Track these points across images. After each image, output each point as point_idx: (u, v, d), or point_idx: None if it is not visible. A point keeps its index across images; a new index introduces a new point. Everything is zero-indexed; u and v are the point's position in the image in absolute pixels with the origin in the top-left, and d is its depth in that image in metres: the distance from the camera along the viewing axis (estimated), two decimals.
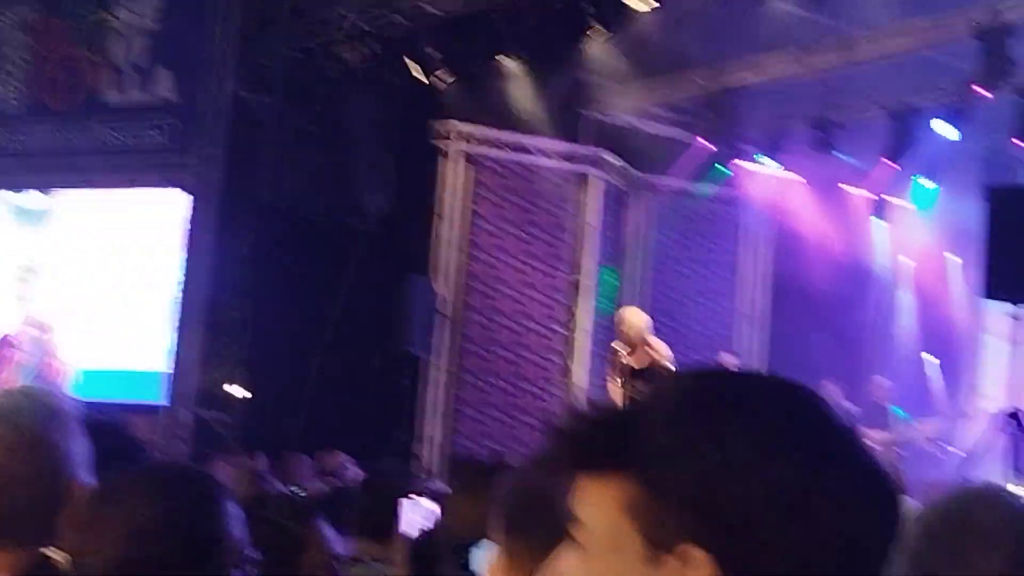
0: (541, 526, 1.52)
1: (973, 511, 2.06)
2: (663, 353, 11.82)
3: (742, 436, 1.26)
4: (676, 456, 1.27)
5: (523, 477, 1.65)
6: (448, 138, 15.26)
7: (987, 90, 13.14)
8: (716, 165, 16.19)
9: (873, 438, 14.61)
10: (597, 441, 1.31)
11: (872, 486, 1.31)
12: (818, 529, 1.25)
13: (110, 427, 3.02)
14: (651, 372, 11.47)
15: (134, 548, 2.10)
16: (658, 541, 1.26)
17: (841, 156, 15.50)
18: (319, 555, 4.07)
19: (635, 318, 12.16)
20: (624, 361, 11.87)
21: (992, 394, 14.42)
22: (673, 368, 11.76)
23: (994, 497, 2.09)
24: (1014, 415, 11.21)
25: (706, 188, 16.48)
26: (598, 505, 1.30)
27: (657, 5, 13.53)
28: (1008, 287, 11.26)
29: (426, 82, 14.84)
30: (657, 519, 1.26)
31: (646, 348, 11.77)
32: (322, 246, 14.42)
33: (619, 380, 11.90)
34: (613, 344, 12.23)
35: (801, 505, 1.25)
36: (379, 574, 4.80)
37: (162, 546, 2.11)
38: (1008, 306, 11.99)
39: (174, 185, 14.18)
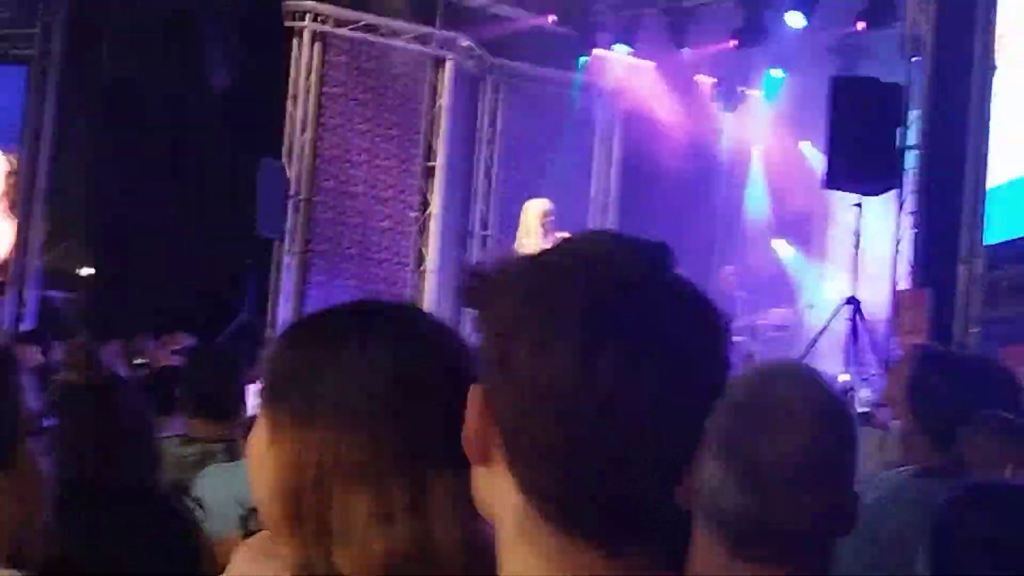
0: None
1: (776, 385, 2.09)
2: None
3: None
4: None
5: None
6: (300, 18, 15.00)
7: None
8: (570, 52, 16.18)
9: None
10: None
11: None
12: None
13: None
14: None
15: None
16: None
17: (692, 44, 15.59)
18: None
19: (530, 206, 12.34)
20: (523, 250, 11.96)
21: (837, 283, 14.70)
22: None
23: (795, 373, 2.13)
24: (851, 302, 11.50)
25: (560, 75, 16.47)
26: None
27: None
28: (848, 177, 11.47)
29: None
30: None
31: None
32: (168, 124, 14.13)
33: None
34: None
35: None
36: (214, 453, 4.75)
37: None
38: (854, 196, 12.24)
39: (13, 61, 13.82)
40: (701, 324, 1.29)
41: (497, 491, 1.30)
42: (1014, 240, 10.03)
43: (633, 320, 1.24)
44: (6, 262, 13.80)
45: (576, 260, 1.30)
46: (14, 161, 13.82)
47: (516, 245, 12.43)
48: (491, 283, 1.32)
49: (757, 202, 17.16)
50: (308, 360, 1.57)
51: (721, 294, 15.34)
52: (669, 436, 1.25)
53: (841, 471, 2.03)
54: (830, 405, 2.06)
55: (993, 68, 10.48)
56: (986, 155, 10.38)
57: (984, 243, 10.30)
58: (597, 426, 1.23)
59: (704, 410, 1.28)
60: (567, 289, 1.26)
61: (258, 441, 1.57)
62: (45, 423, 2.20)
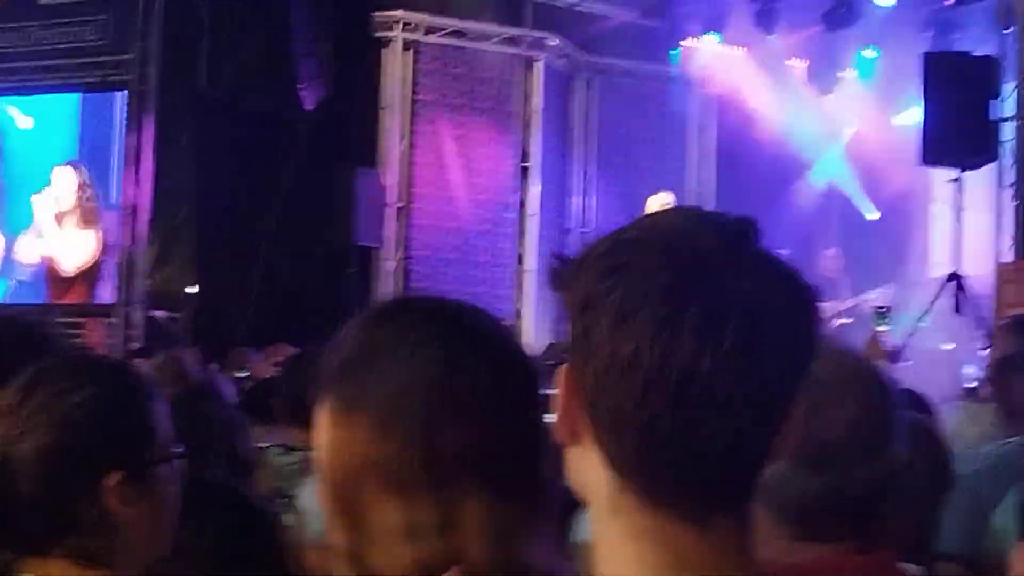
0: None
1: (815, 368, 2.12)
2: None
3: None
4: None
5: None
6: (388, 27, 15.13)
7: None
8: (660, 45, 16.16)
9: (823, 309, 14.74)
10: None
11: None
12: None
13: (18, 323, 3.03)
14: None
15: (61, 436, 2.10)
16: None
17: (782, 29, 15.51)
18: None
19: (651, 202, 12.70)
20: None
21: (939, 260, 14.51)
22: None
23: (834, 354, 2.14)
24: (954, 278, 11.36)
25: (651, 68, 16.45)
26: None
27: None
28: (945, 152, 11.35)
29: None
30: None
31: None
32: (264, 139, 14.30)
33: None
34: None
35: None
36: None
37: (89, 436, 2.11)
38: (952, 172, 12.09)
39: (110, 86, 14.16)
40: (784, 296, 1.30)
41: (587, 469, 1.32)
42: None
43: (712, 292, 1.26)
44: (91, 271, 14.15)
45: (656, 234, 1.32)
46: (84, 173, 14.15)
47: None
48: (574, 263, 1.35)
49: (854, 183, 16.97)
50: (367, 348, 1.54)
51: (824, 277, 15.25)
52: (750, 407, 1.26)
53: (887, 440, 2.05)
54: (866, 376, 2.08)
55: None
56: None
57: None
58: (677, 398, 1.25)
59: (790, 381, 1.30)
60: (646, 263, 1.28)
61: (318, 425, 1.56)
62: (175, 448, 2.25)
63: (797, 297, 1.31)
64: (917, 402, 3.53)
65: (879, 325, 12.30)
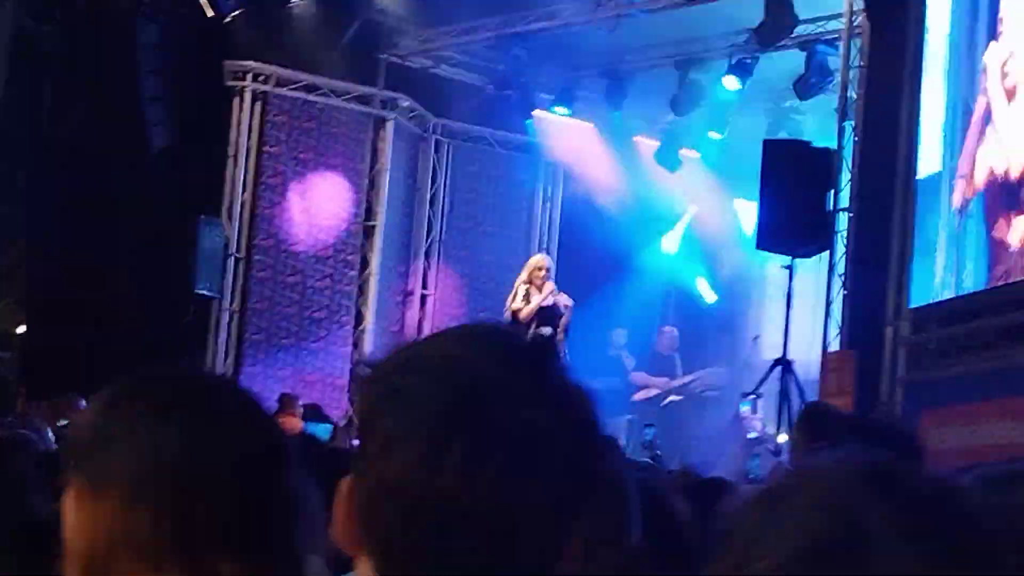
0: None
1: None
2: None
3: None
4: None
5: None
6: (239, 77, 15.05)
7: (770, 43, 13.44)
8: (511, 113, 16.30)
9: (656, 384, 14.96)
10: None
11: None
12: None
13: None
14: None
15: None
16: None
17: (630, 106, 15.77)
18: None
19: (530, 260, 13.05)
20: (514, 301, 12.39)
21: (771, 344, 14.81)
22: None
23: None
24: (782, 363, 11.59)
25: (501, 135, 16.60)
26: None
27: None
28: (779, 238, 11.58)
29: (216, 18, 14.57)
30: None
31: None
32: (106, 183, 14.10)
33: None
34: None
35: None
36: None
37: None
38: (784, 258, 12.35)
39: None
40: (567, 425, 1.29)
41: None
42: (940, 303, 10.17)
43: (484, 421, 1.26)
44: None
45: (440, 358, 1.32)
46: None
47: (510, 296, 12.55)
48: (369, 376, 1.35)
49: (695, 262, 17.26)
50: (107, 429, 1.56)
51: (658, 354, 15.50)
52: (516, 536, 1.26)
53: None
54: None
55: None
56: (912, 219, 10.54)
57: (909, 306, 10.42)
58: (440, 526, 1.25)
59: (565, 511, 1.28)
60: (423, 389, 1.28)
61: (67, 506, 1.56)
62: None
63: (580, 425, 1.31)
64: None
65: (744, 406, 12.55)
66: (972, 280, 9.78)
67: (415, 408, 1.27)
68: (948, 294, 10.06)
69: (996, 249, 9.62)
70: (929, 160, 10.64)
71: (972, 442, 8.26)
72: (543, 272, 12.65)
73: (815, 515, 1.14)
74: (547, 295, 12.51)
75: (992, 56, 9.98)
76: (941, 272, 10.23)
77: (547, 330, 12.33)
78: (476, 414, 1.26)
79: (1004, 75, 9.82)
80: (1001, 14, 9.95)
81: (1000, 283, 9.42)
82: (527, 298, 12.54)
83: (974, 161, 10.01)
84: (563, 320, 12.51)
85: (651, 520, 2.18)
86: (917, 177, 10.66)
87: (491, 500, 1.24)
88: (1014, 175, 9.54)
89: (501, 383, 1.28)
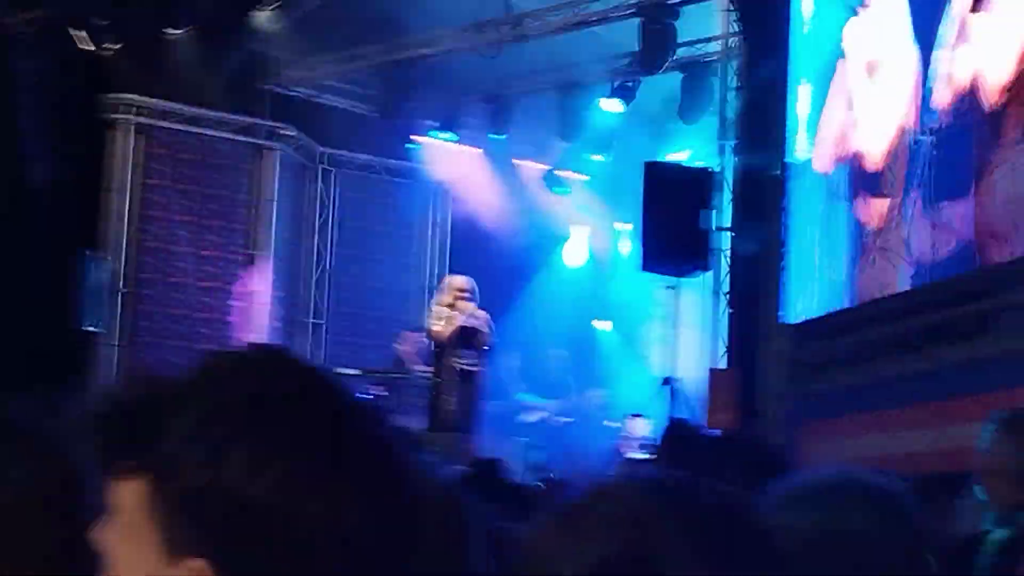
0: None
1: None
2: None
3: (251, 445, 1.23)
4: (184, 462, 1.23)
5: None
6: (118, 110, 14.90)
7: (650, 66, 13.58)
8: (396, 139, 16.32)
9: (547, 407, 15.03)
10: (121, 435, 1.27)
11: (387, 479, 1.28)
12: (327, 528, 1.23)
13: None
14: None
15: None
16: (172, 547, 1.23)
17: (515, 131, 15.87)
18: None
19: (450, 280, 13.18)
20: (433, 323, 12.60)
21: (659, 363, 14.93)
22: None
23: None
24: (667, 382, 11.70)
25: (387, 163, 16.60)
26: (122, 497, 1.26)
27: None
28: (660, 260, 11.69)
29: (94, 51, 14.42)
30: (168, 525, 1.23)
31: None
32: None
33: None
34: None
35: (310, 511, 1.22)
36: None
37: None
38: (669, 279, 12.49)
39: None
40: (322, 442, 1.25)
41: None
42: (815, 319, 10.33)
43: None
44: None
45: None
46: None
47: (430, 317, 12.74)
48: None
49: (583, 286, 17.36)
50: None
51: (550, 376, 15.56)
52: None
53: None
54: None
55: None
56: (786, 238, 10.70)
57: (787, 321, 10.58)
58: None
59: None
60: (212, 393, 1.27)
61: None
62: None
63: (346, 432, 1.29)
64: None
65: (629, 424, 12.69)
66: (845, 271, 10.03)
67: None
68: (824, 296, 10.28)
69: (857, 229, 9.92)
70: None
71: (848, 454, 8.38)
72: (466, 294, 12.71)
73: (609, 532, 1.17)
74: (467, 316, 12.56)
75: (852, 28, 10.32)
76: (817, 274, 10.46)
77: (469, 352, 12.46)
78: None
79: (866, 48, 10.10)
80: None
81: (865, 271, 9.73)
82: (450, 320, 12.59)
83: (837, 131, 10.33)
84: (485, 339, 12.61)
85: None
86: (790, 161, 10.95)
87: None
88: (871, 161, 9.79)
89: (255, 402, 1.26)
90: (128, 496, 1.25)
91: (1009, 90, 8.18)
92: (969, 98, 8.65)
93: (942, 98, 8.97)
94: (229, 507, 1.20)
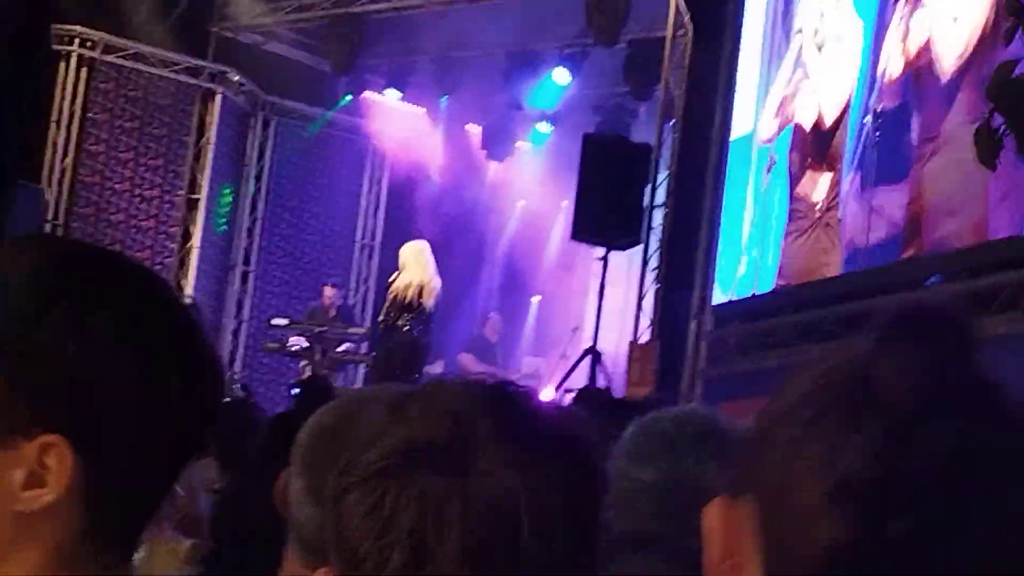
0: None
1: (364, 412, 2.23)
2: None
3: (98, 327, 1.30)
4: (28, 345, 1.29)
5: None
6: (68, 42, 14.79)
7: (600, 38, 13.62)
8: (342, 93, 16.30)
9: (484, 371, 15.04)
10: None
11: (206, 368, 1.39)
12: (161, 407, 1.33)
13: None
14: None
15: None
16: (13, 428, 1.28)
17: (462, 93, 15.87)
18: None
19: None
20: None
21: (588, 335, 14.98)
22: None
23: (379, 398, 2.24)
24: (590, 353, 11.75)
25: (330, 115, 16.56)
26: None
27: None
28: (595, 231, 11.75)
29: None
30: (10, 407, 1.28)
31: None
32: None
33: None
34: None
35: (147, 388, 1.31)
36: None
37: None
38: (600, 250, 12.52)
39: None
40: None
41: None
42: (740, 300, 10.44)
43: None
44: None
45: None
46: None
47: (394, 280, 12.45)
48: None
49: (520, 251, 17.43)
50: None
51: (484, 340, 15.58)
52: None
53: None
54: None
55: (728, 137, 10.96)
56: (719, 218, 10.80)
57: (712, 301, 10.68)
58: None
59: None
60: None
61: None
62: None
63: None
64: None
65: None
66: (773, 254, 10.11)
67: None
68: (751, 272, 10.35)
69: (798, 207, 9.96)
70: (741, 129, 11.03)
71: None
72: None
73: (431, 419, 1.25)
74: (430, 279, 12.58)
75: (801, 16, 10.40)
76: (746, 247, 10.51)
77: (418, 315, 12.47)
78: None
79: (815, 32, 10.16)
80: None
81: (792, 238, 9.80)
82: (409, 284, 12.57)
83: (784, 101, 10.37)
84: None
85: None
86: (730, 139, 10.98)
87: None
88: (819, 132, 9.84)
89: None
90: None
91: (965, 64, 8.08)
92: (921, 70, 8.64)
93: (890, 72, 8.97)
94: (50, 369, 1.28)
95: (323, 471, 2.15)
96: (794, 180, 10.09)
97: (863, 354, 1.06)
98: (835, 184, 9.52)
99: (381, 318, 12.45)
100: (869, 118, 9.19)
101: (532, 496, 1.22)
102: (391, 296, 12.27)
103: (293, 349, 13.60)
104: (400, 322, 12.14)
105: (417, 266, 12.25)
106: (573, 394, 6.86)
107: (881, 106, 9.07)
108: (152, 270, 1.46)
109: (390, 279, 12.47)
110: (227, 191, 16.05)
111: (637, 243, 11.98)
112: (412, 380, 12.07)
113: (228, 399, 6.28)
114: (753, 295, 10.23)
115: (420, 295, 12.21)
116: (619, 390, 11.52)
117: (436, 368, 13.79)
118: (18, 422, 1.28)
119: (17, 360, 1.29)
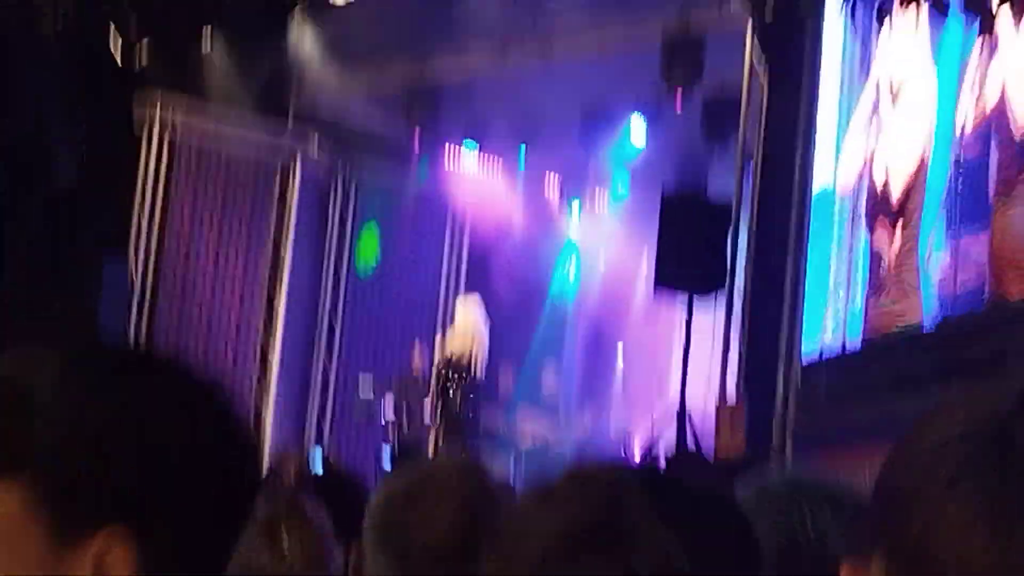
0: None
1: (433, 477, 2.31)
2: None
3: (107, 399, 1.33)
4: (75, 448, 1.31)
5: None
6: (148, 114, 14.92)
7: (676, 96, 13.63)
8: (422, 157, 16.36)
9: (541, 427, 14.86)
10: None
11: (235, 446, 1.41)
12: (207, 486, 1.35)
13: None
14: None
15: None
16: (74, 531, 1.29)
17: (540, 146, 15.93)
18: None
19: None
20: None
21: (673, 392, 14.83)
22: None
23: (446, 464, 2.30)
24: (680, 416, 11.56)
25: (412, 180, 16.61)
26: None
27: None
28: (676, 277, 11.69)
29: (125, 52, 14.41)
30: (69, 510, 1.30)
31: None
32: (3, 220, 13.89)
33: None
34: None
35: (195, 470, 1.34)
36: None
37: None
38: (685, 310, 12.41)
39: None
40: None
41: None
42: (832, 356, 10.34)
43: None
44: None
45: None
46: None
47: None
48: None
49: (600, 304, 17.35)
50: None
51: (544, 394, 15.44)
52: None
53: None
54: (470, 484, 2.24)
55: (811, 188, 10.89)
56: (804, 272, 10.70)
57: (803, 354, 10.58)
58: None
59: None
60: None
61: None
62: None
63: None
64: None
65: None
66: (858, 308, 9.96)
67: None
68: (838, 327, 10.27)
69: (874, 263, 9.87)
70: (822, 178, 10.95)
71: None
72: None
73: (585, 506, 1.29)
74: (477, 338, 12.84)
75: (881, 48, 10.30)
76: (833, 304, 10.45)
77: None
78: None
79: (891, 84, 10.10)
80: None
81: (881, 302, 9.67)
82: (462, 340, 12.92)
83: (861, 155, 10.31)
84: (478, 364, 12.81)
85: None
86: (813, 194, 10.92)
87: None
88: (891, 189, 9.77)
89: None
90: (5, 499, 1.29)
91: None
92: (996, 120, 8.59)
93: (969, 121, 8.91)
94: (107, 460, 1.30)
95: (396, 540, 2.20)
96: (870, 233, 10.06)
97: (1005, 412, 1.05)
98: (908, 239, 9.48)
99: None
100: (951, 166, 9.13)
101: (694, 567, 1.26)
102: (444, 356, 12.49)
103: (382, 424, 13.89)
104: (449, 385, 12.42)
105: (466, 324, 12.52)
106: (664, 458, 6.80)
107: (962, 155, 9.00)
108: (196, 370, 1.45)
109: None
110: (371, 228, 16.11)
111: (721, 286, 11.84)
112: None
113: (341, 476, 6.31)
114: (844, 348, 10.14)
115: (470, 359, 12.39)
116: (708, 448, 11.42)
117: None
118: (81, 525, 1.30)
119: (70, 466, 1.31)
